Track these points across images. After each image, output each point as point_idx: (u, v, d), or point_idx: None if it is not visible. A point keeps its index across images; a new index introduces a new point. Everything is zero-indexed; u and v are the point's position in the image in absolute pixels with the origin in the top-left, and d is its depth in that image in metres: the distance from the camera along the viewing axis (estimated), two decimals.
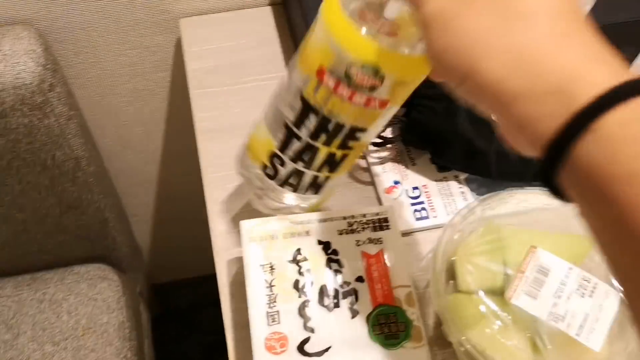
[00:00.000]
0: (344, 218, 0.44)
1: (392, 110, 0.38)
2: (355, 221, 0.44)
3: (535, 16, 0.24)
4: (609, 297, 0.38)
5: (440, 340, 0.45)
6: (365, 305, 0.40)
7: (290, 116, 0.38)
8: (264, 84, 0.58)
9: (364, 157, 0.53)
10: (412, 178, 0.51)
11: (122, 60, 0.68)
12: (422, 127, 0.48)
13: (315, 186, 0.42)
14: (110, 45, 0.67)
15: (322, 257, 0.42)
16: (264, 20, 0.64)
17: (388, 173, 0.52)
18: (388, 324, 0.40)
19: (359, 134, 0.38)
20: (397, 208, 0.50)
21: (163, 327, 1.12)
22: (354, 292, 0.41)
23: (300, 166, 0.40)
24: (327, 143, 0.39)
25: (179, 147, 0.83)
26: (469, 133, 0.46)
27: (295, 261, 0.41)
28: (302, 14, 0.55)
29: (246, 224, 0.42)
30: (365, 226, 0.44)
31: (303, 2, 0.55)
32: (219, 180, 0.52)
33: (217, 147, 0.54)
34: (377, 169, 0.52)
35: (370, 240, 0.43)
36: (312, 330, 0.39)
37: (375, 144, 0.52)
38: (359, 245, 0.43)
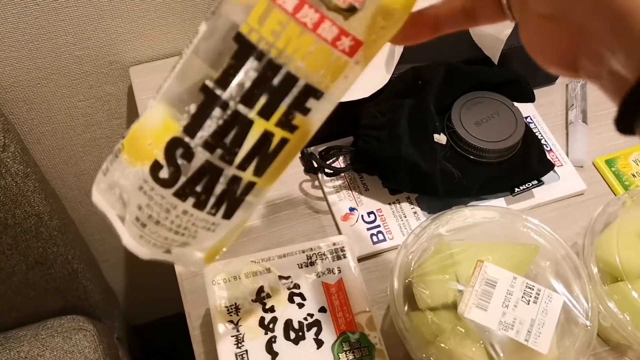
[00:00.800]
0: (303, 252, 0.47)
1: (356, 73, 0.29)
2: (314, 253, 0.47)
3: None
4: (552, 301, 0.42)
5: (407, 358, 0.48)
6: (329, 334, 0.43)
7: (213, 72, 0.27)
8: None
9: (320, 188, 0.56)
10: (366, 203, 0.54)
11: (76, 112, 0.70)
12: (369, 155, 0.52)
13: (231, 201, 0.29)
14: (62, 99, 0.68)
15: (284, 292, 0.45)
16: None
17: (344, 201, 0.55)
18: (352, 350, 0.42)
19: (311, 102, 0.28)
20: (355, 234, 0.53)
21: None
22: (318, 323, 0.44)
23: (216, 157, 0.28)
24: (266, 112, 0.28)
25: None
26: (412, 157, 0.50)
27: (259, 299, 0.44)
28: None
29: (209, 270, 0.45)
30: (324, 257, 0.47)
31: None
32: None
33: None
34: (333, 197, 0.55)
35: (330, 271, 0.46)
36: None
37: (328, 174, 0.55)
38: (318, 277, 0.46)
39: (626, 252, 0.46)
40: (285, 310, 0.44)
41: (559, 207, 0.56)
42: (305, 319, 0.43)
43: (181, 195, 0.28)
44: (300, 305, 0.44)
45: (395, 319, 0.44)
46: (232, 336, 0.42)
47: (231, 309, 0.43)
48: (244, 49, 0.26)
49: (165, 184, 0.28)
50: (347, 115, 0.47)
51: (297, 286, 0.45)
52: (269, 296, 0.44)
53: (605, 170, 0.58)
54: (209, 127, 0.27)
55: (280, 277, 0.45)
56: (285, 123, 0.28)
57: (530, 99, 0.57)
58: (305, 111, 0.28)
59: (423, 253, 0.46)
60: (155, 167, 0.28)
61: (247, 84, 0.27)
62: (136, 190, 0.29)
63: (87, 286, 0.82)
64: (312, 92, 0.28)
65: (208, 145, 0.27)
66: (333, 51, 0.27)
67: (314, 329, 0.43)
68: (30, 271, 0.74)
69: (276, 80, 0.27)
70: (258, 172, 0.29)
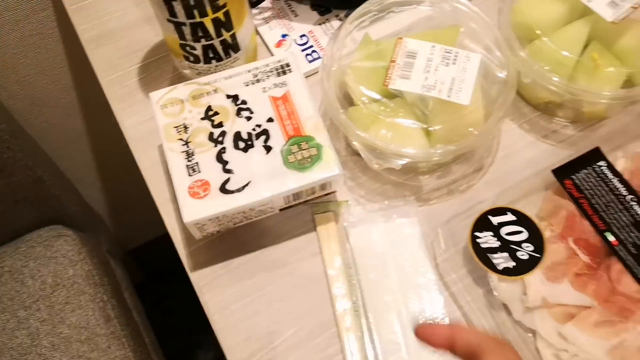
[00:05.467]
0: (249, 71, 0.53)
1: None
2: (260, 71, 0.53)
3: None
4: (470, 60, 0.49)
5: (355, 157, 0.55)
6: (278, 140, 0.49)
7: (165, 12, 0.50)
8: None
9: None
10: (297, 28, 0.61)
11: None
12: None
13: (232, 47, 0.54)
14: None
15: (232, 109, 0.51)
16: None
17: (274, 30, 0.61)
18: (300, 151, 0.49)
19: None
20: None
21: (151, 288, 1.22)
22: (266, 132, 0.50)
23: (204, 42, 0.52)
24: (203, 14, 0.49)
25: (91, 93, 0.90)
26: None
27: (207, 117, 0.50)
28: None
29: (155, 95, 0.51)
30: (270, 74, 0.53)
31: None
32: (117, 80, 0.60)
33: (105, 51, 0.62)
34: (263, 28, 0.61)
35: (276, 85, 0.52)
36: (231, 172, 0.48)
37: (253, 4, 0.61)
38: (265, 91, 0.52)
39: (539, 11, 0.53)
40: (234, 124, 0.50)
41: None
42: (254, 129, 0.50)
43: (206, 62, 0.55)
44: (248, 118, 0.51)
45: (333, 114, 0.51)
46: (182, 152, 0.49)
47: (180, 128, 0.50)
48: None
49: (196, 61, 0.55)
50: None
51: (244, 102, 0.51)
52: (217, 113, 0.51)
53: None
54: (188, 34, 0.52)
55: (228, 96, 0.52)
56: (215, 9, 0.50)
57: None
58: None
59: (352, 52, 0.53)
60: (185, 58, 0.55)
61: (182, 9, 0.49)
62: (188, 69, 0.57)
63: (60, 196, 0.89)
64: None
65: (196, 40, 0.52)
66: None
67: (263, 137, 0.50)
68: None
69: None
70: (229, 30, 0.53)
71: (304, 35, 0.60)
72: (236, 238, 0.52)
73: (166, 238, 0.54)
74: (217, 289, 0.50)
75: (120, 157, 0.97)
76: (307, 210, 0.53)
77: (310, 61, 0.59)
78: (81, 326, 0.81)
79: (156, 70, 0.61)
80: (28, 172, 0.81)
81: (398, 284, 0.50)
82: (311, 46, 0.59)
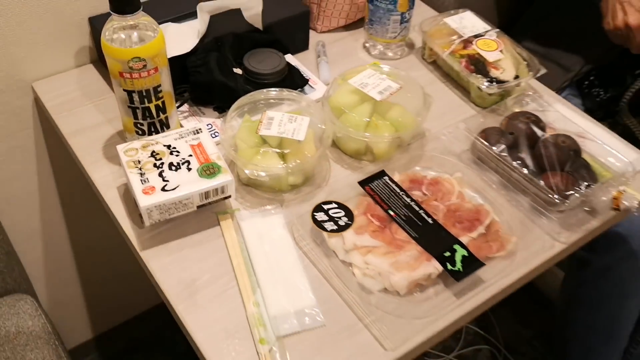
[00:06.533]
0: (177, 133, 0.89)
1: (165, 71, 0.86)
2: (183, 132, 0.88)
3: None
4: (303, 120, 0.89)
5: (242, 186, 0.91)
6: (195, 165, 0.85)
7: (126, 100, 0.86)
8: (104, 101, 1.04)
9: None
10: (205, 120, 0.99)
11: None
12: (195, 82, 0.97)
13: (165, 124, 0.92)
14: None
15: (167, 151, 0.86)
16: (89, 72, 1.11)
17: (190, 122, 0.99)
18: (209, 169, 0.85)
19: (159, 89, 0.87)
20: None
21: None
22: (188, 162, 0.85)
23: (149, 120, 0.89)
24: (149, 100, 0.86)
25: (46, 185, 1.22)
26: (222, 80, 0.96)
27: (152, 156, 0.85)
28: None
29: (119, 147, 0.86)
30: (189, 134, 0.89)
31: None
32: (93, 152, 0.95)
33: (84, 139, 0.98)
34: (184, 122, 0.99)
35: (193, 139, 0.88)
36: (167, 181, 0.82)
37: (178, 107, 1.00)
38: (187, 142, 0.88)
39: (344, 99, 0.95)
40: (168, 158, 0.85)
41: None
42: (180, 160, 0.85)
43: (149, 134, 0.92)
44: (177, 155, 0.86)
45: (227, 152, 0.88)
46: (137, 173, 0.83)
47: (135, 162, 0.85)
48: (129, 92, 0.88)
49: (142, 134, 0.92)
50: (179, 65, 0.94)
51: (175, 147, 0.87)
52: (158, 154, 0.86)
53: (339, 81, 1.09)
54: (140, 116, 0.89)
55: (164, 145, 0.87)
56: (157, 98, 0.88)
57: (288, 51, 1.07)
58: (159, 92, 0.88)
59: (237, 130, 0.92)
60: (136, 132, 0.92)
61: (138, 98, 0.87)
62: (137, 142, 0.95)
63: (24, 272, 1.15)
64: (157, 87, 0.89)
65: (144, 119, 0.90)
66: (149, 77, 0.86)
67: (186, 164, 0.85)
68: None
69: (144, 94, 0.87)
70: (165, 113, 0.91)
71: (209, 124, 0.99)
72: (171, 228, 0.85)
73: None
74: (159, 258, 0.82)
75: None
76: (213, 215, 0.87)
77: (213, 137, 0.97)
78: None
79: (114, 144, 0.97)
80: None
81: (273, 254, 0.84)
82: (215, 129, 0.98)
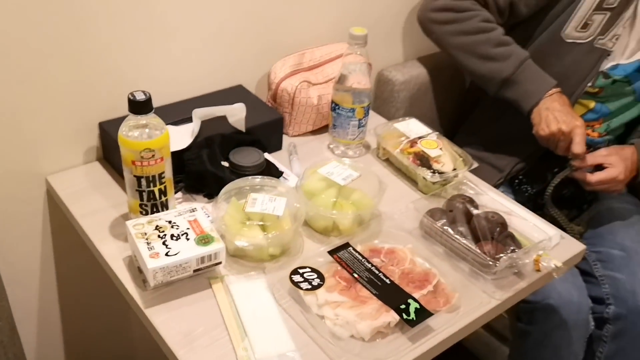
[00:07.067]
0: (177, 211, 1.08)
1: (168, 161, 1.07)
2: (181, 211, 1.07)
3: None
4: (281, 200, 1.08)
5: (230, 257, 1.09)
6: (192, 236, 1.02)
7: (135, 184, 1.04)
8: (108, 191, 1.22)
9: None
10: (197, 205, 1.18)
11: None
12: (191, 172, 1.17)
13: (165, 206, 1.09)
14: None
15: (168, 225, 1.04)
16: (96, 168, 1.30)
17: (184, 205, 1.18)
18: (204, 239, 1.02)
19: (162, 175, 1.06)
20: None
21: None
22: (186, 233, 1.03)
23: (152, 202, 1.06)
24: (154, 185, 1.05)
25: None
26: (212, 170, 1.16)
27: (156, 229, 1.03)
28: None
29: (128, 222, 1.03)
30: (186, 212, 1.07)
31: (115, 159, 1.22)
32: (101, 230, 1.12)
33: (93, 220, 1.15)
34: (178, 206, 1.18)
35: (190, 216, 1.06)
36: (169, 248, 1.00)
37: (174, 192, 1.19)
38: (185, 218, 1.06)
39: (314, 185, 1.16)
40: (170, 231, 1.03)
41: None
42: (180, 232, 1.03)
43: (151, 212, 1.11)
44: (177, 228, 1.04)
45: (218, 226, 1.06)
46: (144, 242, 1.00)
47: (143, 234, 1.02)
48: (137, 178, 1.08)
49: (146, 213, 1.11)
50: (176, 159, 1.15)
51: (175, 222, 1.05)
52: (161, 227, 1.03)
53: (309, 171, 1.30)
54: (145, 198, 1.08)
55: (166, 221, 1.05)
56: (161, 183, 1.08)
57: (266, 150, 1.29)
58: (163, 178, 1.08)
59: (226, 212, 1.11)
60: (140, 212, 1.11)
61: (145, 183, 1.07)
62: (142, 222, 1.17)
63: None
64: (161, 174, 1.09)
65: (148, 200, 1.09)
66: (157, 164, 1.06)
67: (185, 235, 1.03)
68: None
69: (149, 179, 1.07)
70: (166, 195, 1.11)
71: (203, 207, 1.18)
72: (170, 290, 1.01)
73: None
74: (160, 314, 0.97)
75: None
76: (206, 280, 1.04)
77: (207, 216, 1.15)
78: None
79: (119, 224, 1.14)
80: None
81: (258, 309, 1.00)
82: (206, 212, 1.17)
